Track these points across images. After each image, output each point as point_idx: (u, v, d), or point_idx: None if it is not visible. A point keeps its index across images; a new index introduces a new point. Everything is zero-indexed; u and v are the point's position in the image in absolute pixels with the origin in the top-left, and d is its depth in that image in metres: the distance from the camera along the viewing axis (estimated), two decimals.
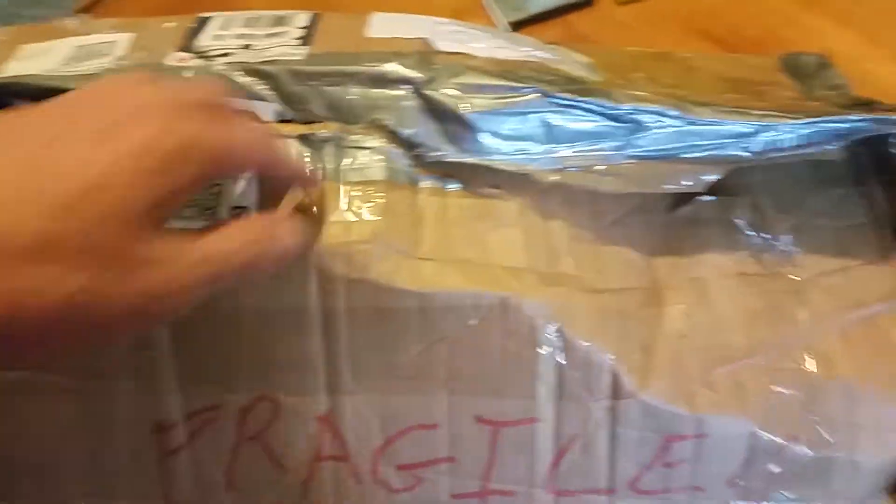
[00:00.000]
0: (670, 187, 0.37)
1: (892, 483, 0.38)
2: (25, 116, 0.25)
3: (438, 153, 0.36)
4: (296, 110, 0.36)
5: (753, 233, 0.39)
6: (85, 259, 0.23)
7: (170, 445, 0.35)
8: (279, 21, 0.40)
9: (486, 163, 0.36)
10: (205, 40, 0.39)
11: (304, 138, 0.35)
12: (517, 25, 0.60)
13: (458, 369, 0.34)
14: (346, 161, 0.35)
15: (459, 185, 0.36)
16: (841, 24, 0.58)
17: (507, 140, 0.36)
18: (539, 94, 0.36)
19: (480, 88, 0.36)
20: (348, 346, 0.34)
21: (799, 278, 0.38)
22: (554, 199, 0.37)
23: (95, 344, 0.25)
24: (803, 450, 0.35)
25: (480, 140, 0.36)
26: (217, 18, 0.41)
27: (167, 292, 0.24)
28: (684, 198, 0.39)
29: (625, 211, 0.38)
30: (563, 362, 0.34)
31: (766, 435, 0.35)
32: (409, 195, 0.35)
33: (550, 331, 0.34)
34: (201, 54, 0.38)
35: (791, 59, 0.51)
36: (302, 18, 0.40)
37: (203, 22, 0.40)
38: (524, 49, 0.41)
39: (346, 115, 0.36)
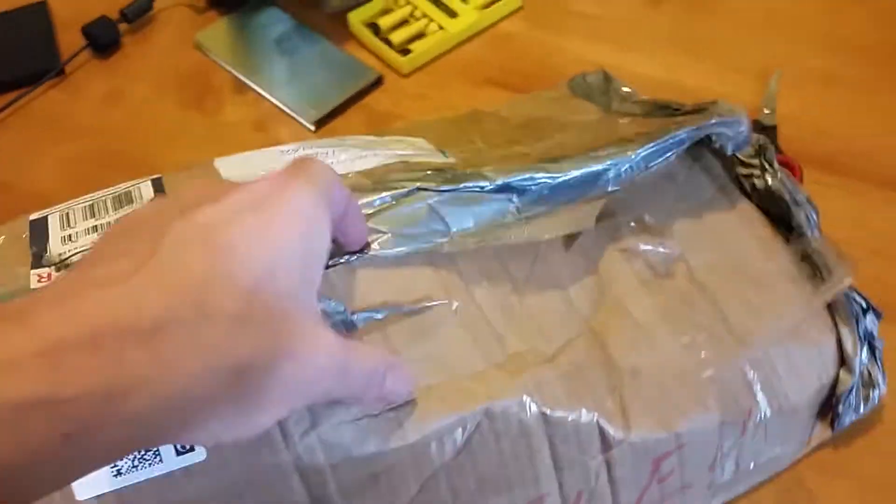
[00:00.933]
0: (569, 230, 0.36)
1: (820, 409, 0.40)
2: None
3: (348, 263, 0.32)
4: None
5: (638, 243, 0.38)
6: (265, 331, 0.22)
7: None
8: (123, 199, 0.34)
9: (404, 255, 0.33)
10: (56, 247, 0.32)
11: None
12: (320, 123, 0.57)
13: (461, 488, 0.31)
14: None
15: (389, 311, 0.32)
16: (590, 41, 0.61)
17: (415, 239, 0.33)
18: (420, 191, 0.34)
19: (365, 205, 0.33)
20: None
21: (688, 269, 0.38)
22: (471, 278, 0.34)
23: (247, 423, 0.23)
24: (758, 417, 0.36)
25: (391, 241, 0.33)
26: (52, 217, 0.34)
27: (308, 380, 0.23)
28: (572, 234, 0.38)
29: (530, 264, 0.36)
30: (554, 438, 0.32)
31: (729, 419, 0.35)
32: None
33: (534, 416, 0.31)
34: (62, 263, 0.32)
35: (577, 82, 0.53)
36: (145, 189, 0.35)
37: (40, 227, 0.34)
38: (375, 151, 0.39)
39: None
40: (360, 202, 0.33)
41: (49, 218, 0.34)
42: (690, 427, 0.34)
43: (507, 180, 0.35)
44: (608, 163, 0.37)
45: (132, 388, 0.19)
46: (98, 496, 0.27)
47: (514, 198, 0.36)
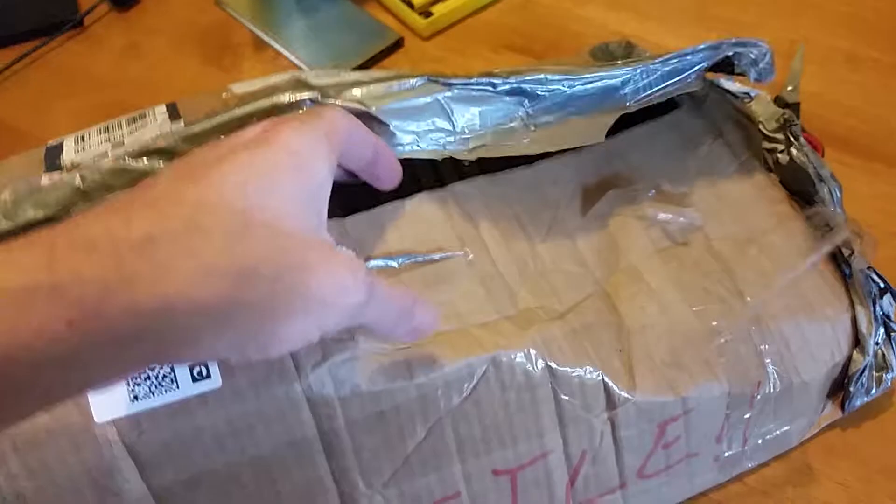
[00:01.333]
0: (578, 143, 0.36)
1: (831, 389, 0.40)
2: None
3: None
4: None
5: (657, 211, 0.38)
6: (268, 244, 0.22)
7: None
8: (136, 118, 0.34)
9: (408, 155, 0.33)
10: (70, 156, 0.32)
11: None
12: None
13: (466, 436, 0.31)
14: None
15: (405, 259, 0.32)
16: (614, 10, 0.60)
17: (419, 135, 0.33)
18: (428, 81, 0.33)
19: (367, 95, 0.32)
20: (355, 458, 0.30)
21: (706, 239, 0.38)
22: (488, 234, 0.34)
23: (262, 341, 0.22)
24: (767, 390, 0.36)
25: (396, 135, 0.32)
26: (67, 140, 0.34)
27: (331, 295, 0.23)
28: (591, 198, 0.37)
29: (546, 226, 0.36)
30: (560, 393, 0.31)
31: (737, 390, 0.35)
32: None
33: (540, 369, 0.31)
34: (76, 167, 0.31)
35: (600, 50, 0.52)
36: (159, 109, 0.34)
37: (55, 147, 0.33)
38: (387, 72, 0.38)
39: None
40: (367, 91, 0.32)
41: (63, 141, 0.34)
42: (698, 393, 0.34)
43: (519, 80, 0.34)
44: (625, 73, 0.36)
45: (129, 283, 0.20)
46: (114, 419, 0.27)
47: (526, 102, 0.35)
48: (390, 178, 0.31)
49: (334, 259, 0.23)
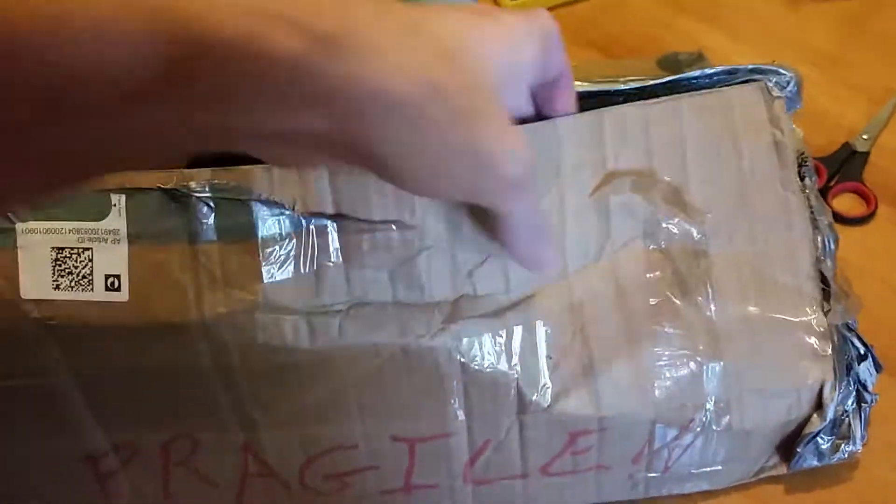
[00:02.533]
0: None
1: (781, 442, 0.37)
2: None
3: None
4: None
5: (666, 213, 0.34)
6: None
7: (104, 470, 0.33)
8: None
9: None
10: None
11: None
12: None
13: (368, 404, 0.32)
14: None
15: (345, 221, 0.31)
16: (709, 25, 0.58)
17: None
18: None
19: None
20: (252, 395, 0.31)
21: (705, 255, 0.34)
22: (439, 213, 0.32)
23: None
24: (700, 427, 0.34)
25: None
26: None
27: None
28: (601, 175, 0.33)
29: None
30: (470, 388, 0.32)
31: (665, 419, 0.34)
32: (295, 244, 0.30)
33: (453, 364, 0.31)
34: None
35: (668, 57, 0.49)
36: None
37: None
38: None
39: None
40: None
41: None
42: (618, 414, 0.33)
43: None
44: (622, 88, 0.35)
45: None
46: (38, 299, 0.30)
47: None
48: (567, 103, 0.31)
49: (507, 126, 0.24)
